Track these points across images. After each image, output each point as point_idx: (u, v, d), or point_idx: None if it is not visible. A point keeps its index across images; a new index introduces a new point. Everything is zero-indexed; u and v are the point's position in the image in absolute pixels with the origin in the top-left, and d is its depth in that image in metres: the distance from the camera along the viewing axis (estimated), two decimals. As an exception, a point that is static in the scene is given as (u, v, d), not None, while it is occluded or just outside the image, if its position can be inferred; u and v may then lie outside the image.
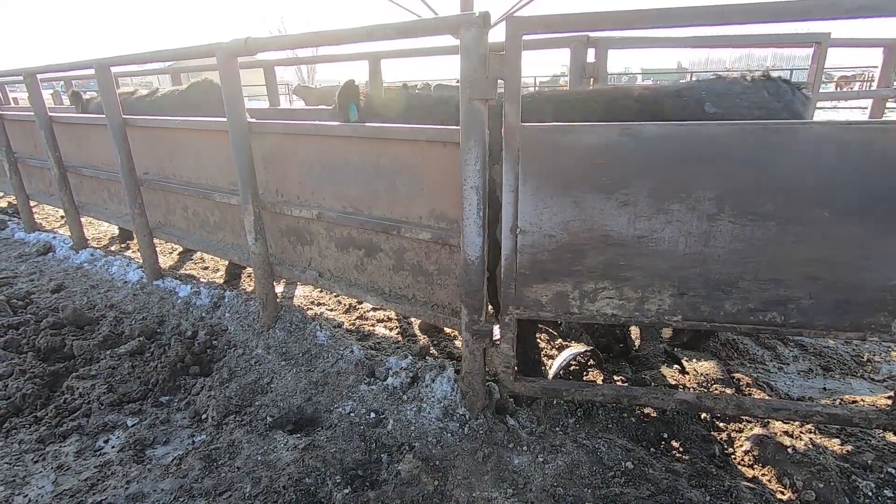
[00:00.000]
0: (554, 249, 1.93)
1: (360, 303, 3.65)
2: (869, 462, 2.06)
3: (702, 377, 2.61)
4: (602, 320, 1.99)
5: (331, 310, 3.63)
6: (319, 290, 3.85)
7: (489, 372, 2.30)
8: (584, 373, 2.71)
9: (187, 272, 4.31)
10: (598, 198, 1.83)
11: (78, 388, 2.59)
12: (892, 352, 3.02)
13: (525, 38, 1.77)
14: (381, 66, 3.79)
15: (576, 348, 2.62)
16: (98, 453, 2.25)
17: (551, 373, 2.48)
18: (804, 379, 2.82)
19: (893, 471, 1.99)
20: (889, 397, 2.44)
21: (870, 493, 1.92)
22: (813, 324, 1.83)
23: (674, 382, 2.62)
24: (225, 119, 2.67)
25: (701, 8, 1.47)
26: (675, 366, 2.73)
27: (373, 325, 3.37)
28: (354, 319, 3.48)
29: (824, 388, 2.70)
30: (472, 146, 1.89)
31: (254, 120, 2.79)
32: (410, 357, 2.63)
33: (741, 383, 2.64)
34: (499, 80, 1.84)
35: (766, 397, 2.51)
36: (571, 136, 1.80)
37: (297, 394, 2.49)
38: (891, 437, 2.23)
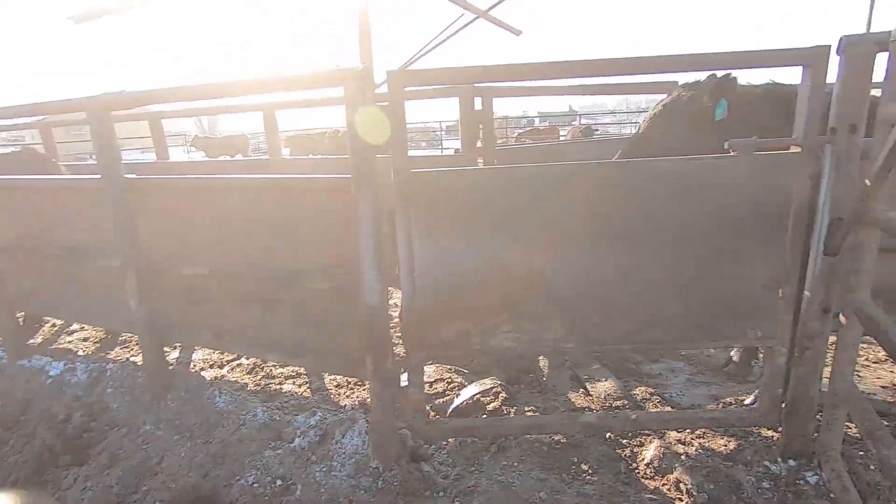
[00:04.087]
0: (452, 289, 1.98)
1: (266, 361, 3.44)
2: (749, 458, 2.28)
3: (604, 397, 2.75)
4: (503, 354, 2.06)
5: (233, 370, 3.38)
6: (220, 351, 3.58)
7: (401, 419, 2.26)
8: (501, 408, 2.75)
9: (63, 346, 3.81)
10: (489, 236, 1.92)
11: None
12: (759, 354, 3.41)
13: (417, 88, 1.87)
14: (275, 116, 3.77)
15: (478, 385, 2.67)
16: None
17: (450, 409, 2.49)
18: (694, 387, 3.08)
19: (769, 464, 2.21)
20: (757, 396, 2.73)
21: (751, 488, 2.11)
22: (686, 337, 2.03)
23: (581, 405, 2.74)
24: (100, 176, 2.48)
25: (546, 64, 1.66)
26: (581, 389, 2.86)
27: (280, 384, 3.18)
28: (260, 379, 3.26)
29: (711, 394, 2.97)
30: (365, 194, 1.91)
31: (133, 176, 2.61)
32: (320, 413, 2.51)
33: (639, 398, 2.82)
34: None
35: (661, 409, 2.70)
36: (459, 179, 1.89)
37: (191, 470, 2.26)
38: (765, 432, 2.49)
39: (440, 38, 7.23)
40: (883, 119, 1.66)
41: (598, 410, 2.67)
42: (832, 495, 1.94)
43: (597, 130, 19.68)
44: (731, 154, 1.87)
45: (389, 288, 2.15)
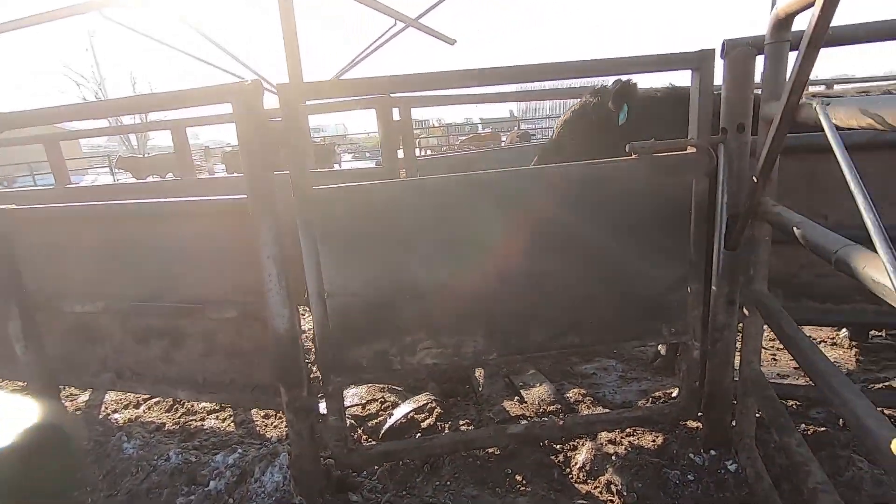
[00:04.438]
0: (365, 309, 1.89)
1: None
2: (675, 451, 2.32)
3: (538, 403, 2.75)
4: (425, 372, 1.99)
5: (150, 409, 3.12)
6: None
7: (324, 448, 2.14)
8: (435, 424, 2.68)
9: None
10: (399, 252, 1.86)
11: None
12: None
13: (330, 101, 1.78)
14: (185, 133, 3.55)
15: (412, 403, 2.59)
16: None
17: (383, 430, 2.40)
18: (626, 384, 3.13)
19: (692, 455, 2.26)
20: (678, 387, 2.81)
21: (677, 481, 2.14)
22: (604, 339, 2.04)
23: (515, 414, 2.72)
24: (-32, 209, 2.21)
25: (446, 73, 1.63)
26: (516, 397, 2.84)
27: (202, 419, 2.96)
28: (179, 416, 3.02)
29: (641, 390, 3.03)
30: (263, 215, 1.80)
31: (13, 206, 2.35)
32: (240, 449, 2.34)
33: (573, 400, 2.84)
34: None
35: (592, 410, 2.73)
36: (363, 195, 1.82)
37: (91, 530, 2.03)
38: (691, 423, 2.56)
39: (371, 48, 7.16)
40: (763, 118, 1.73)
41: (531, 418, 2.66)
42: (748, 482, 2.00)
43: (535, 135, 20.19)
44: (633, 157, 1.90)
45: (304, 311, 2.03)
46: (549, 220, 1.89)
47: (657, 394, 2.94)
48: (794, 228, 1.41)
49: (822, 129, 1.33)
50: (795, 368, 3.06)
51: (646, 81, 2.67)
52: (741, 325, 2.07)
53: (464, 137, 22.21)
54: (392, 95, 3.00)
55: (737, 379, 2.13)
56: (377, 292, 1.88)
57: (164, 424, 2.93)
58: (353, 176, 2.99)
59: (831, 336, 3.49)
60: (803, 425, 2.42)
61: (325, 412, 2.01)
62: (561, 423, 2.10)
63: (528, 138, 17.28)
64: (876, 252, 1.03)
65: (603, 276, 1.96)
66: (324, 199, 1.79)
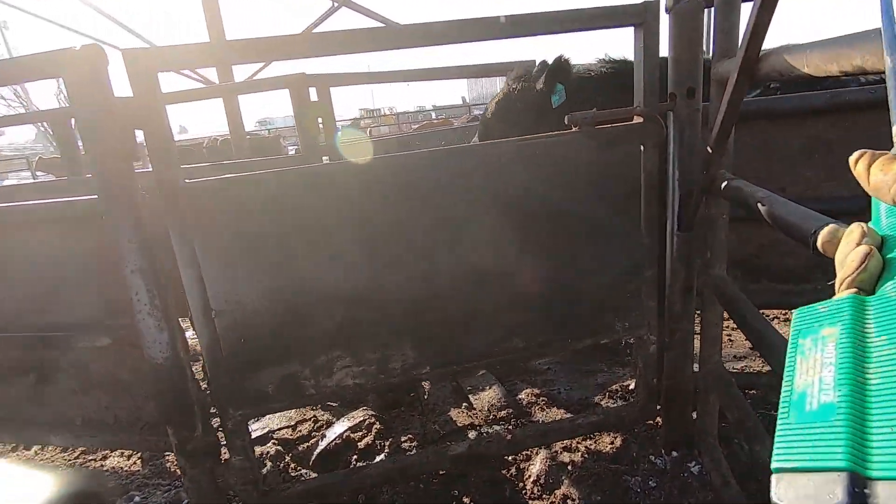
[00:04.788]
0: (266, 326, 1.56)
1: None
2: (634, 454, 2.13)
3: (488, 409, 2.50)
4: (346, 394, 1.69)
5: (43, 449, 2.67)
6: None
7: (230, 494, 1.80)
8: (375, 443, 2.39)
9: None
10: (304, 255, 1.53)
11: None
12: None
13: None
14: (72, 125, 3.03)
15: (347, 420, 2.29)
16: None
17: (314, 455, 2.09)
18: (582, 378, 2.93)
19: (653, 457, 2.07)
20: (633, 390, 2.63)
21: (638, 489, 1.94)
22: (550, 341, 1.79)
23: (463, 423, 2.45)
24: None
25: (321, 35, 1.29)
26: (464, 403, 2.59)
27: (104, 458, 2.55)
28: (78, 456, 2.59)
29: (598, 384, 2.84)
30: (121, 218, 1.42)
31: None
32: (139, 496, 1.97)
33: (525, 402, 2.60)
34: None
35: (546, 413, 2.50)
36: (250, 188, 1.47)
37: None
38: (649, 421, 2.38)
39: (305, 29, 6.70)
40: (716, 79, 1.50)
41: (480, 427, 2.40)
42: (713, 486, 1.81)
43: (487, 120, 19.87)
44: (573, 130, 1.64)
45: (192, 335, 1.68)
46: (482, 209, 1.61)
47: (615, 387, 2.75)
48: (759, 205, 1.19)
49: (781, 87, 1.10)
50: (752, 349, 2.95)
51: (580, 54, 2.41)
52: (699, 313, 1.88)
53: (416, 126, 21.70)
54: (308, 74, 2.62)
55: (697, 370, 1.95)
56: (280, 306, 1.55)
57: (57, 467, 2.50)
58: (264, 168, 2.61)
59: (785, 313, 3.42)
60: (762, 411, 2.28)
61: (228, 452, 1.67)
62: (509, 437, 1.85)
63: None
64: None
65: (547, 270, 1.70)
66: (199, 196, 1.44)
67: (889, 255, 0.42)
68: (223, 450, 1.72)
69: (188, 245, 1.45)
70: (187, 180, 1.44)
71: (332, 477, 1.79)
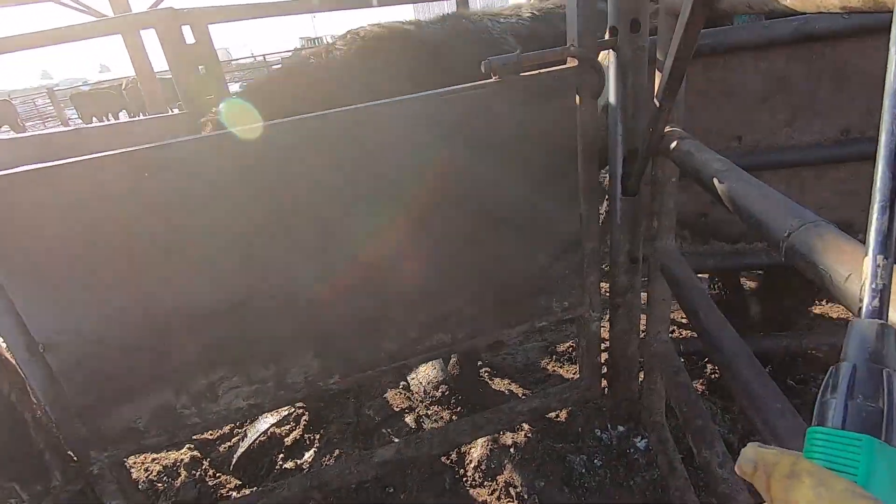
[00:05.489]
0: (118, 354, 1.23)
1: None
2: (580, 429, 2.00)
3: (425, 391, 2.31)
4: (240, 417, 1.42)
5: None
6: None
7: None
8: (303, 437, 2.17)
9: None
10: (158, 265, 1.18)
11: None
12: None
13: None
14: None
15: (272, 415, 2.05)
16: None
17: (236, 458, 1.88)
18: (528, 341, 2.76)
19: (598, 432, 1.95)
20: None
21: (583, 470, 1.83)
22: (481, 330, 1.55)
23: (401, 407, 2.27)
24: None
25: None
26: (402, 383, 2.39)
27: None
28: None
29: (546, 345, 2.68)
30: None
31: None
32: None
33: (479, 372, 2.41)
34: None
35: (490, 385, 2.34)
36: (73, 184, 1.09)
37: None
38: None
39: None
40: (665, 9, 1.18)
41: (417, 410, 2.22)
42: (659, 470, 1.71)
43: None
44: (493, 80, 1.30)
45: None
46: (383, 189, 1.29)
47: (562, 348, 2.61)
48: (716, 181, 0.93)
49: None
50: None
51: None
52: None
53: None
54: (178, 9, 2.09)
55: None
56: (131, 328, 1.22)
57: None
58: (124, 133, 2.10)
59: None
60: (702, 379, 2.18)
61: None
62: (440, 435, 1.66)
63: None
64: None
65: (470, 252, 1.43)
66: (-14, 199, 1.04)
67: None
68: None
69: (-18, 265, 1.08)
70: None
71: (238, 503, 1.56)
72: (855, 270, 0.58)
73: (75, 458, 1.33)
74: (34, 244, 1.10)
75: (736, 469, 0.32)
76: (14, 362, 1.22)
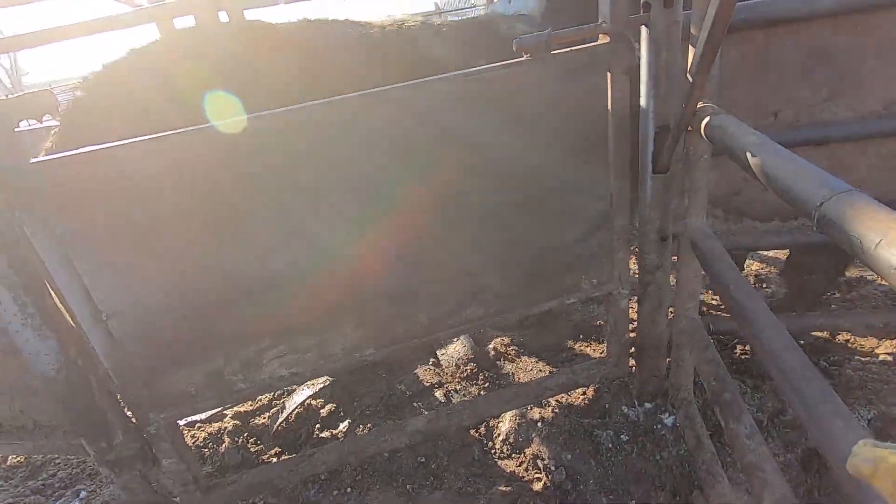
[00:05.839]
0: (176, 322, 1.33)
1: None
2: (607, 405, 2.04)
3: (455, 366, 2.37)
4: (283, 385, 1.51)
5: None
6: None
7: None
8: (338, 410, 2.28)
9: None
10: (212, 239, 1.27)
11: None
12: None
13: None
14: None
15: (308, 388, 2.15)
16: None
17: (275, 428, 1.98)
18: (556, 318, 2.80)
19: (625, 409, 1.98)
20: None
21: (610, 445, 1.87)
22: (511, 306, 1.60)
23: (431, 383, 2.34)
24: None
25: None
26: (431, 359, 2.46)
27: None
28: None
29: (573, 325, 2.71)
30: (-43, 214, 1.13)
31: None
32: (85, 491, 1.85)
33: (494, 353, 2.47)
34: None
35: (516, 364, 2.39)
36: (134, 164, 1.17)
37: None
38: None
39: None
40: (700, -19, 1.18)
41: (447, 385, 2.29)
42: (686, 445, 1.73)
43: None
44: (524, 59, 1.32)
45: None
46: (421, 162, 1.33)
47: (589, 328, 2.63)
48: (749, 156, 0.94)
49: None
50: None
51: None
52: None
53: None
54: (215, -6, 2.16)
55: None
56: (189, 297, 1.31)
57: (5, 458, 2.37)
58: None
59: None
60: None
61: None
62: (471, 406, 1.72)
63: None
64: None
65: (501, 229, 1.46)
66: (56, 177, 1.14)
67: None
68: (157, 450, 1.57)
69: (54, 240, 1.18)
70: (34, 160, 1.13)
71: (281, 467, 1.67)
72: (885, 236, 0.59)
73: (134, 419, 1.45)
74: (100, 221, 1.19)
75: (849, 468, 0.31)
76: (80, 329, 1.33)
